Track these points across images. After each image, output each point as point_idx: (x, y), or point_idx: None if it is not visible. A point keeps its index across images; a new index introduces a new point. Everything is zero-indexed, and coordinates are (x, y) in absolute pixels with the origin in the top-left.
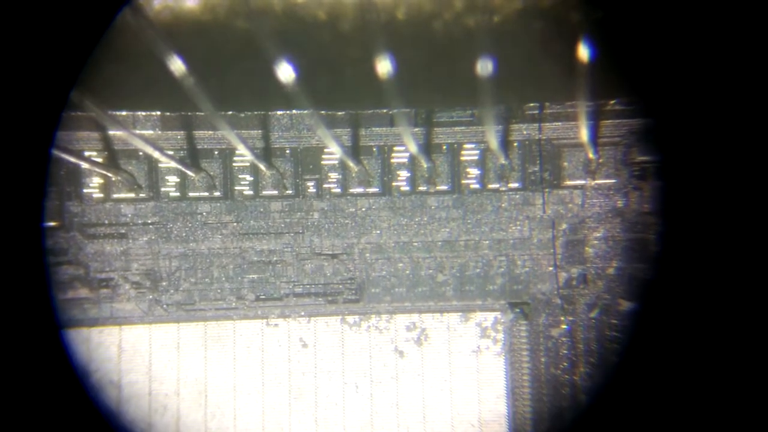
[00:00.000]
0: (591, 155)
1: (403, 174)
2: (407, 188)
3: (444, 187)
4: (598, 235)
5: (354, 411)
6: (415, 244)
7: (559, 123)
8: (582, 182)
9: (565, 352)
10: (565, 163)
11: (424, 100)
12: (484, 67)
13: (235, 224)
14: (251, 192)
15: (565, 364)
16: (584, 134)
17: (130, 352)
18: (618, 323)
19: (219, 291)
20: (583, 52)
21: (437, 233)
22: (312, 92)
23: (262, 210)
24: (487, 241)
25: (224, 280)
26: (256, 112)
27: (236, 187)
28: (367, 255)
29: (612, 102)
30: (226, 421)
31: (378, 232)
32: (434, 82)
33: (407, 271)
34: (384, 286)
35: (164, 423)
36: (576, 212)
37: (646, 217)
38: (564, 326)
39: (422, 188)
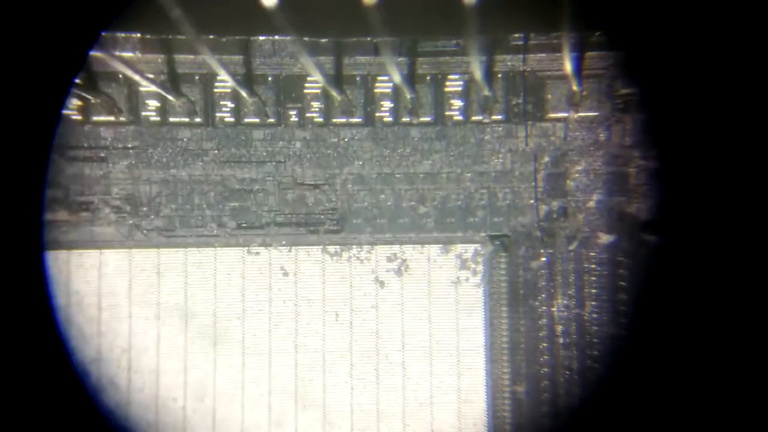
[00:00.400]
0: (575, 87)
1: (387, 104)
2: (390, 119)
3: (427, 119)
4: (580, 168)
5: (334, 338)
6: (398, 175)
7: (544, 54)
8: (565, 114)
9: (543, 283)
10: (549, 95)
11: (408, 30)
12: None
13: (216, 151)
14: (233, 119)
15: (543, 295)
16: (568, 66)
17: (110, 275)
18: (596, 256)
19: (200, 218)
20: None
21: (419, 165)
22: (295, 18)
23: (243, 138)
24: (469, 174)
25: (205, 207)
26: (237, 37)
27: (217, 114)
28: (349, 186)
29: (597, 33)
30: (206, 344)
31: (360, 162)
32: (419, 10)
33: (389, 203)
34: (365, 217)
35: (144, 345)
36: (558, 145)
37: (627, 150)
38: (543, 258)
39: (405, 119)
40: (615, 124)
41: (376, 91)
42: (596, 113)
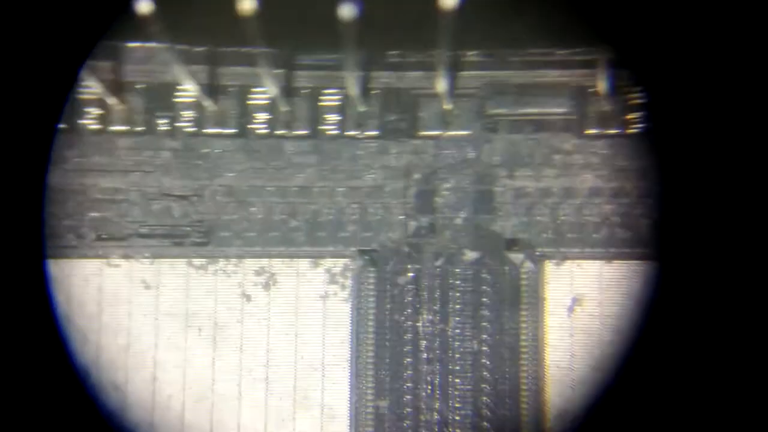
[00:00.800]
0: (447, 106)
1: (261, 116)
2: (264, 131)
3: (302, 132)
4: (449, 185)
5: (196, 354)
6: (269, 188)
7: (419, 72)
8: (437, 132)
9: (409, 299)
10: (422, 113)
11: (286, 42)
12: (348, 10)
13: (78, 159)
14: (99, 126)
15: (408, 310)
16: (442, 84)
17: None
18: (461, 272)
19: (56, 228)
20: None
21: (292, 179)
22: (170, 25)
23: (107, 146)
24: (342, 189)
25: (63, 217)
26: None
27: (82, 120)
28: (219, 198)
29: (471, 53)
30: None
31: (231, 174)
32: (297, 23)
33: (259, 216)
34: (234, 230)
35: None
36: (429, 162)
37: (494, 170)
38: (410, 274)
39: (280, 132)
40: (484, 144)
41: (250, 102)
42: (467, 132)
